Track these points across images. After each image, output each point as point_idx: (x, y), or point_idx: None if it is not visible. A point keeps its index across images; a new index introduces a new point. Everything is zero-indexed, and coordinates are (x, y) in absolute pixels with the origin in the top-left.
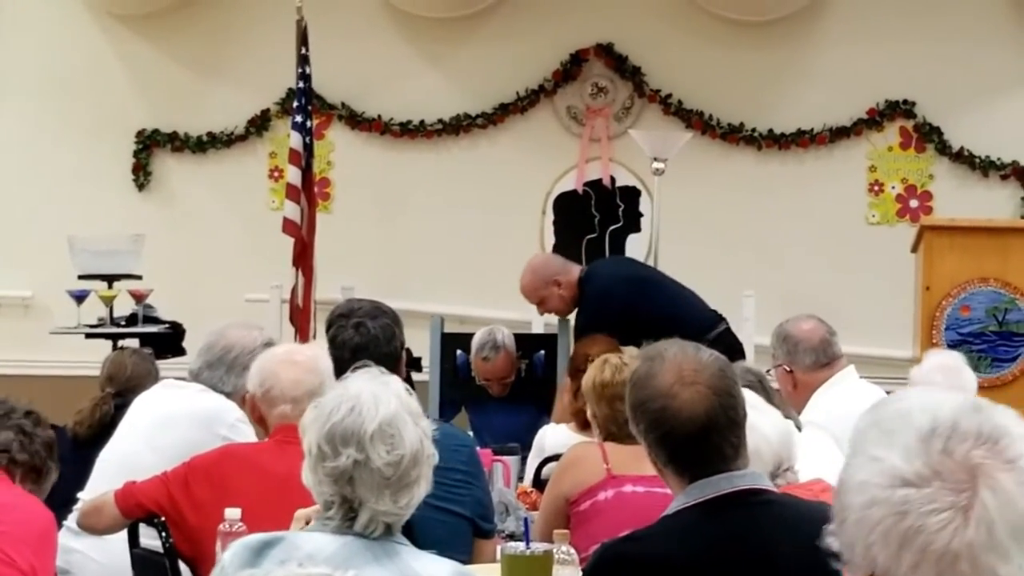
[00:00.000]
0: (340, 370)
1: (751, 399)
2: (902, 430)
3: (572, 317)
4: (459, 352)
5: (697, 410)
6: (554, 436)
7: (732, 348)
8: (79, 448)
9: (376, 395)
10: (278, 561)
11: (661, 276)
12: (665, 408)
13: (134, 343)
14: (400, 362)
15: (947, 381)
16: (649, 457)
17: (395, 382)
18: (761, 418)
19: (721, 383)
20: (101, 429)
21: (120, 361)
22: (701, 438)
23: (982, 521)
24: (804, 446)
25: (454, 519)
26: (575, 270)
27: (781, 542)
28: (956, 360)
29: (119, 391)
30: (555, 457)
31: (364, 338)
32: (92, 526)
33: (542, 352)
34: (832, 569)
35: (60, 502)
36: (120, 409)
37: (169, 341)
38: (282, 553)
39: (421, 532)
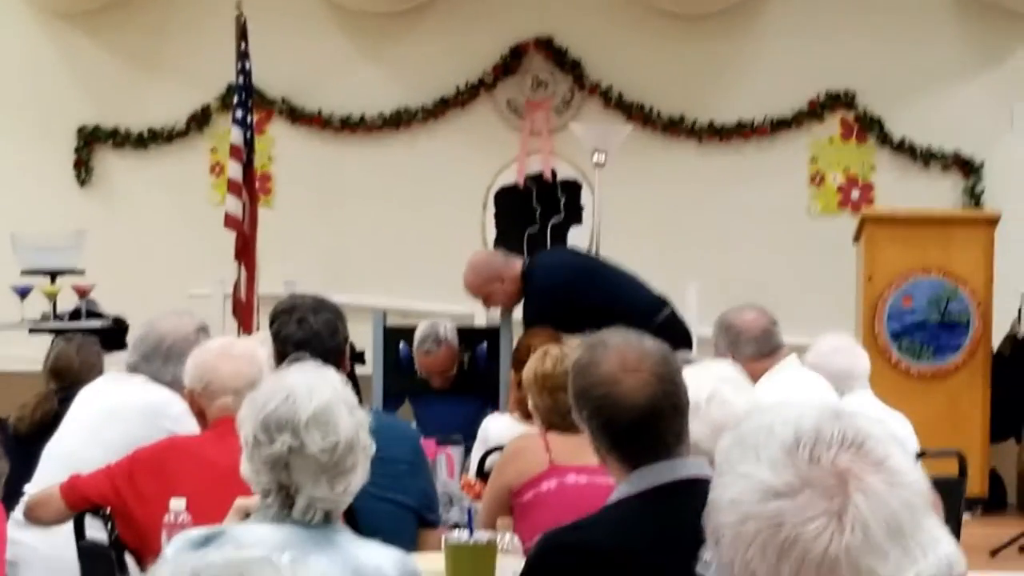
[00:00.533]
0: (281, 363)
1: (728, 374)
2: (767, 444)
3: (519, 310)
4: (402, 345)
5: (640, 397)
6: (497, 426)
7: (678, 332)
8: (21, 443)
9: (310, 385)
10: None
11: (603, 263)
12: (608, 395)
13: None
14: (343, 356)
15: (845, 361)
16: (592, 445)
17: (330, 373)
18: (736, 396)
19: (664, 370)
20: (43, 426)
21: (66, 355)
22: (644, 425)
23: (857, 523)
24: None
25: (399, 509)
26: (517, 264)
27: None
28: (849, 341)
29: (64, 385)
30: (499, 448)
31: (306, 333)
32: (38, 518)
33: (484, 344)
34: None
35: (5, 495)
36: (64, 403)
37: (112, 336)
38: (223, 544)
39: (366, 522)
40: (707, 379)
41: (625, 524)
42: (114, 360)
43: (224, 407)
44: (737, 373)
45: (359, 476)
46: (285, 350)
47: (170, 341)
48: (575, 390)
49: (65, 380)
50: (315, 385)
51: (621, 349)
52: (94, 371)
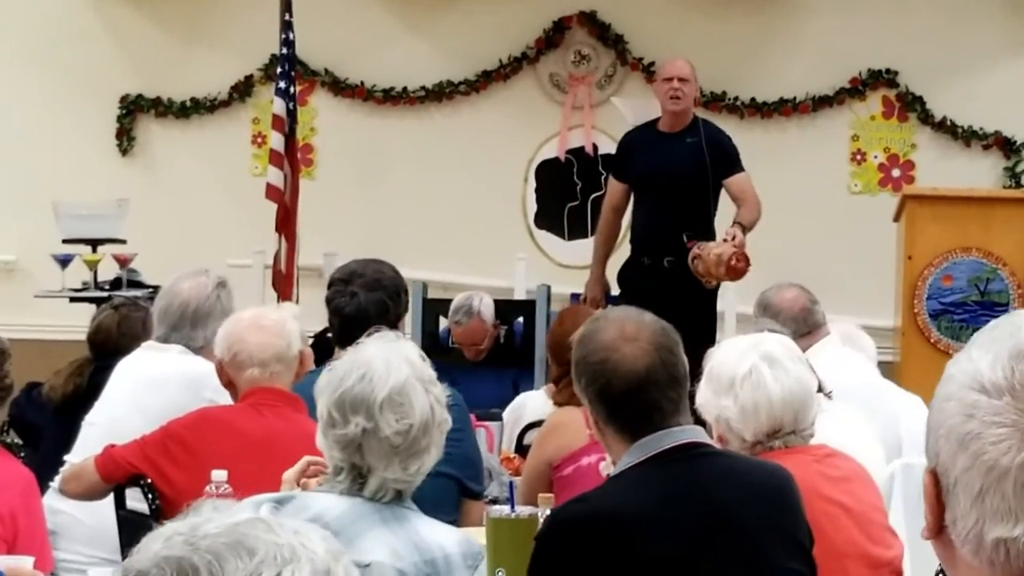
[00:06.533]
0: (333, 331)
1: (775, 352)
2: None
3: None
4: (442, 320)
5: (637, 365)
6: (534, 403)
7: None
8: (56, 413)
9: (388, 361)
10: None
11: None
12: (605, 361)
13: None
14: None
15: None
16: (591, 417)
17: (408, 347)
18: (773, 377)
19: (663, 341)
20: (76, 397)
21: (107, 326)
22: (639, 392)
23: None
24: (829, 415)
25: (442, 479)
26: None
27: (730, 491)
28: (854, 328)
29: (100, 355)
30: (538, 423)
31: (354, 309)
32: (73, 491)
33: (521, 319)
34: (778, 519)
35: (43, 465)
36: (100, 373)
37: None
38: (292, 511)
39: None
40: (750, 355)
41: (631, 491)
42: None
43: (252, 379)
44: (789, 348)
45: (433, 455)
46: (334, 320)
47: (194, 305)
48: (575, 360)
49: (103, 350)
50: (392, 361)
51: (621, 320)
52: (136, 342)
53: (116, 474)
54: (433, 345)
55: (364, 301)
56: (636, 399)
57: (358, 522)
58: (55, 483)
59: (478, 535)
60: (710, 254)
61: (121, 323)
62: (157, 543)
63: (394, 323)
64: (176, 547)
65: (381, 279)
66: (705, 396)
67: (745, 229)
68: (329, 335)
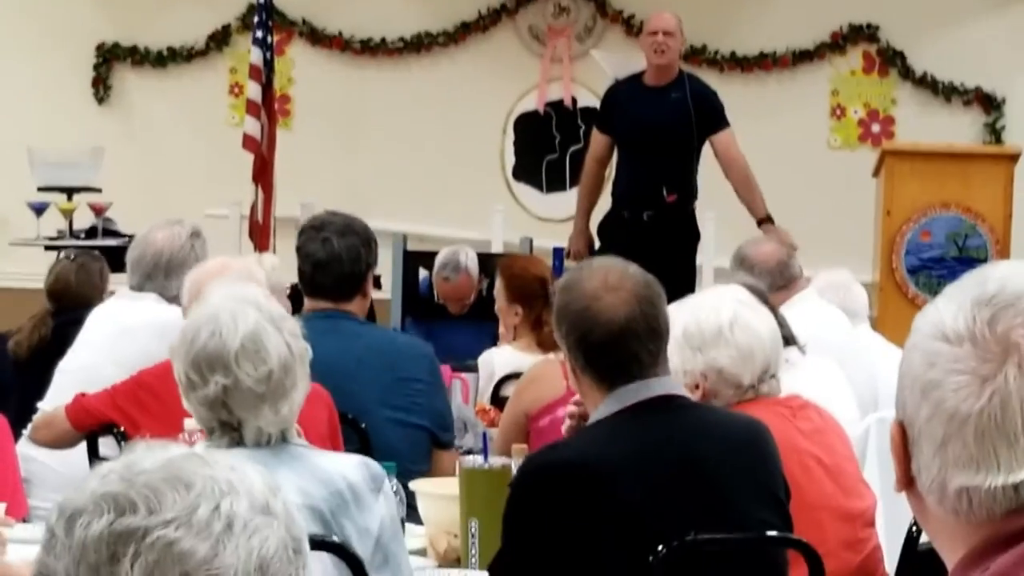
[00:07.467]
0: (302, 280)
1: (744, 297)
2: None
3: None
4: (422, 272)
5: (618, 314)
6: (501, 357)
7: None
8: (23, 366)
9: (234, 311)
10: None
11: None
12: (587, 309)
13: None
14: (364, 282)
15: (836, 298)
16: (568, 365)
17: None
18: (756, 319)
19: (646, 292)
20: (40, 350)
21: (64, 276)
22: (619, 342)
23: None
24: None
25: (413, 431)
26: None
27: (704, 443)
28: (846, 276)
29: (60, 307)
30: (515, 375)
31: (327, 254)
32: (43, 439)
33: None
34: (753, 471)
35: (16, 414)
36: (64, 327)
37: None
38: None
39: (380, 444)
40: (725, 303)
41: (605, 440)
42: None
43: None
44: (748, 294)
45: (302, 389)
46: (304, 267)
47: (168, 255)
48: (556, 308)
49: (62, 301)
50: (238, 311)
51: (605, 270)
52: (95, 292)
53: (86, 422)
54: (413, 297)
55: (338, 246)
56: (615, 349)
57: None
58: (27, 432)
59: (448, 485)
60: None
61: (79, 272)
62: (94, 481)
63: (365, 272)
64: (113, 483)
65: (353, 225)
66: (683, 357)
67: (769, 218)
68: None
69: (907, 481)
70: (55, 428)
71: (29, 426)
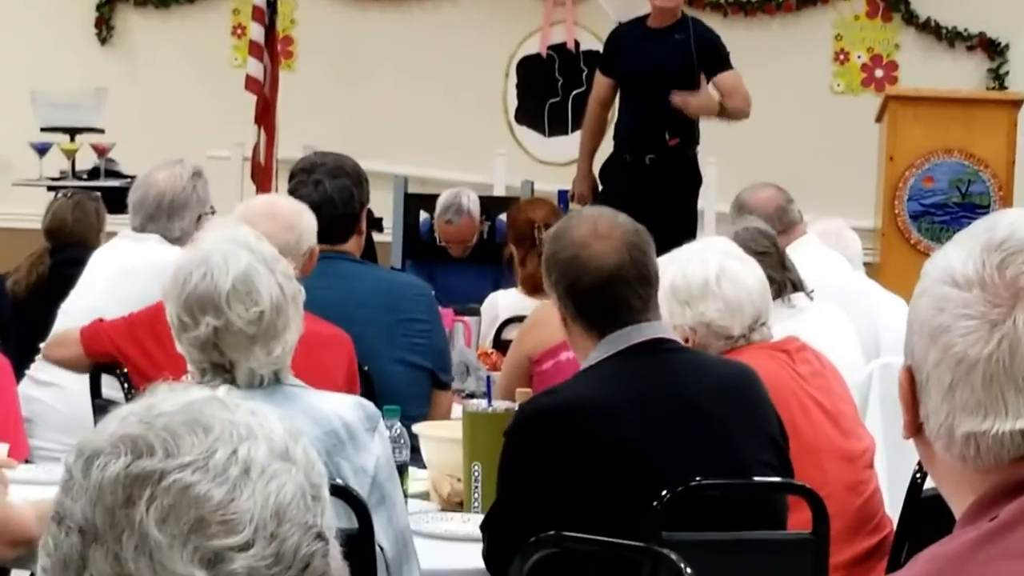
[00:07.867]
0: None
1: (731, 249)
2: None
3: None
4: (422, 214)
5: (607, 261)
6: (505, 300)
7: None
8: (22, 306)
9: (225, 252)
10: None
11: None
12: (576, 256)
13: None
14: (358, 223)
15: (837, 244)
16: (559, 313)
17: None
18: (743, 270)
19: (635, 240)
20: (38, 289)
21: (61, 215)
22: (608, 288)
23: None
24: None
25: (413, 371)
26: None
27: (699, 385)
28: (839, 224)
29: (58, 246)
30: (518, 318)
31: (320, 197)
32: (54, 357)
33: (503, 216)
34: (747, 412)
35: (17, 355)
36: (61, 266)
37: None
38: None
39: (381, 385)
40: (711, 256)
41: (599, 382)
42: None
43: None
44: (735, 246)
45: (294, 330)
46: None
47: (170, 196)
48: (546, 255)
49: (58, 240)
50: (230, 252)
51: (594, 218)
52: (91, 231)
53: (97, 347)
54: (414, 239)
55: (330, 188)
56: (605, 295)
57: None
58: (31, 370)
59: (452, 428)
60: None
61: (75, 210)
62: (113, 423)
63: (358, 211)
64: (131, 426)
65: (343, 166)
66: (672, 311)
67: (723, 110)
68: None
69: (915, 427)
70: (67, 348)
71: (34, 365)
